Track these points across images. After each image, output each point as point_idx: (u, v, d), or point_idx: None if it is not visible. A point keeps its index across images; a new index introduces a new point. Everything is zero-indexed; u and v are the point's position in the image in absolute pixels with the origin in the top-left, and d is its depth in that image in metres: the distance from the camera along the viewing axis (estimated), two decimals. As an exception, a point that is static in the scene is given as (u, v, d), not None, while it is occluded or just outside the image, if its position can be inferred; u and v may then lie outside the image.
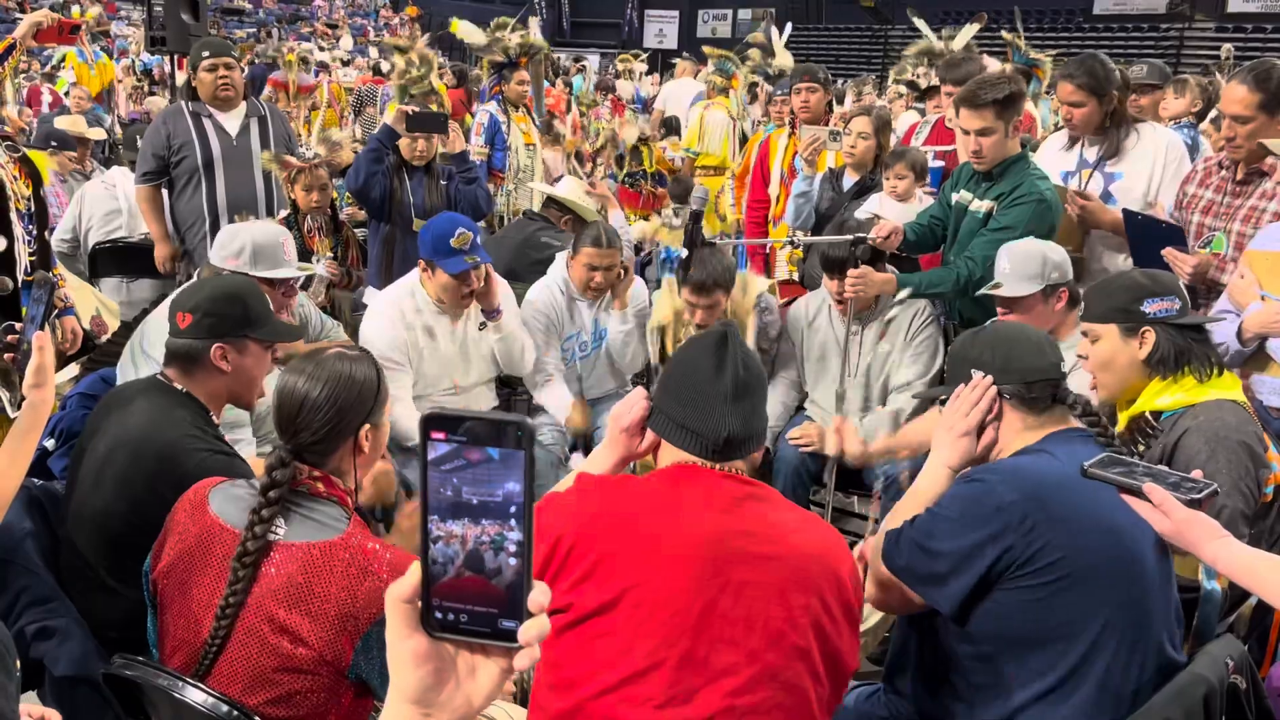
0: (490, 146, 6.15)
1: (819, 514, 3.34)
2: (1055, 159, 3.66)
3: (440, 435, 0.73)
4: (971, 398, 1.97)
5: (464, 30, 6.84)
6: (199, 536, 1.84)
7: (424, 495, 0.74)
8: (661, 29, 31.69)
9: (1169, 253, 3.04)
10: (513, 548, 0.73)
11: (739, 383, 1.69)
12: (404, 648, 0.75)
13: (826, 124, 4.75)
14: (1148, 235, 3.15)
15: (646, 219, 6.33)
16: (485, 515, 0.73)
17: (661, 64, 20.29)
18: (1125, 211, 3.33)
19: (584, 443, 3.72)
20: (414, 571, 0.75)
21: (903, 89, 7.57)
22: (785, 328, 3.73)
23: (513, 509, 0.73)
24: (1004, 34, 5.82)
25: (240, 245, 3.00)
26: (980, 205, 3.38)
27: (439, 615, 0.75)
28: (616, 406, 1.88)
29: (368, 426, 1.89)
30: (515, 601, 0.74)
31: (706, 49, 8.35)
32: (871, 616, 2.44)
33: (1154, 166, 3.55)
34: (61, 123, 6.43)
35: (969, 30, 5.74)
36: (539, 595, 0.74)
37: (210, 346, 2.27)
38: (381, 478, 2.49)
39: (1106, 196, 3.58)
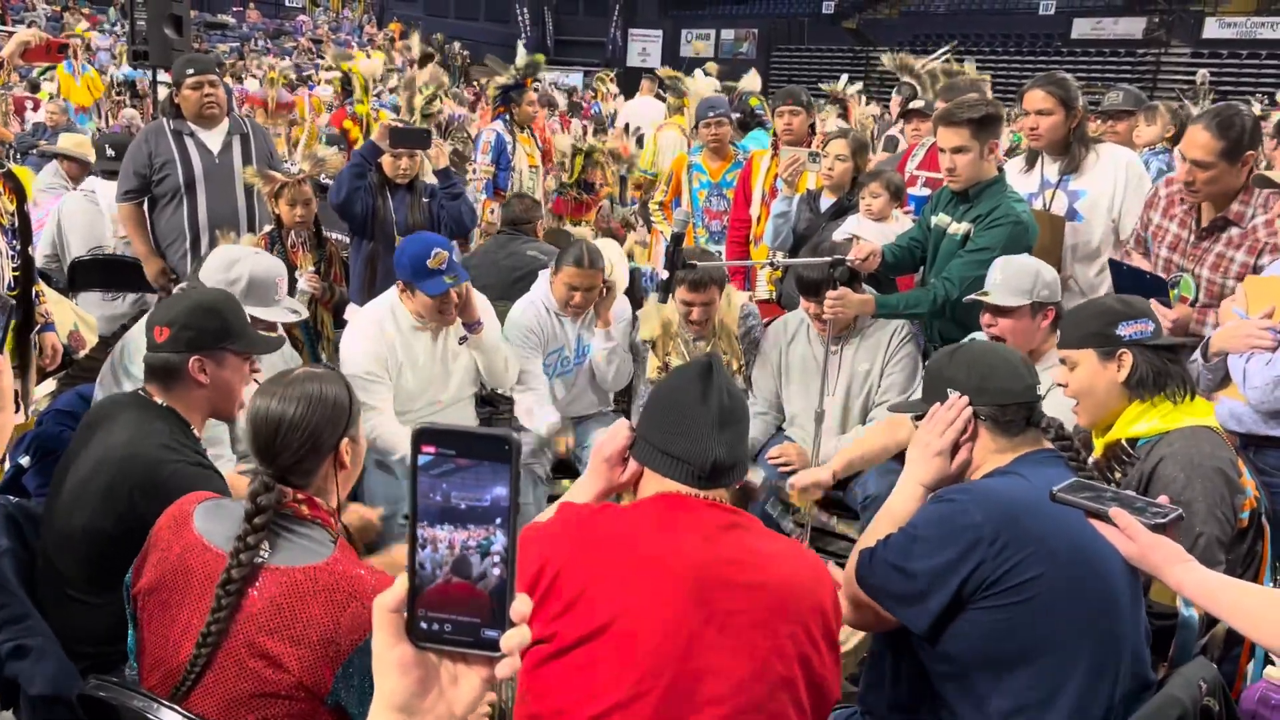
0: (495, 166, 6.18)
1: (798, 534, 3.35)
2: (1016, 182, 3.70)
3: (430, 449, 0.76)
4: (947, 417, 1.99)
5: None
6: (181, 555, 1.82)
7: (413, 503, 0.76)
8: (645, 48, 31.90)
9: (1152, 305, 3.08)
10: (498, 554, 0.75)
11: (724, 410, 1.69)
12: (390, 656, 0.78)
13: (809, 145, 4.79)
14: (1133, 286, 3.18)
15: (578, 224, 6.48)
16: (471, 520, 0.75)
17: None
18: (1111, 262, 3.36)
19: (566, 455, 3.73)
20: (401, 582, 0.77)
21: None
22: (762, 346, 3.76)
23: (498, 518, 0.75)
24: (938, 62, 5.97)
25: (238, 275, 2.94)
26: (958, 228, 3.42)
27: (424, 625, 0.77)
28: (598, 438, 1.87)
29: (346, 441, 1.89)
30: (498, 611, 0.76)
31: (660, 71, 8.46)
32: (851, 639, 2.45)
33: (1116, 183, 3.61)
34: (66, 142, 6.40)
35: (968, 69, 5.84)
36: (520, 605, 0.76)
37: (188, 360, 2.26)
38: (367, 529, 2.44)
39: (1072, 214, 3.63)
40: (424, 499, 0.76)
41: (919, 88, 5.92)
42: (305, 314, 3.24)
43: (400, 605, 0.77)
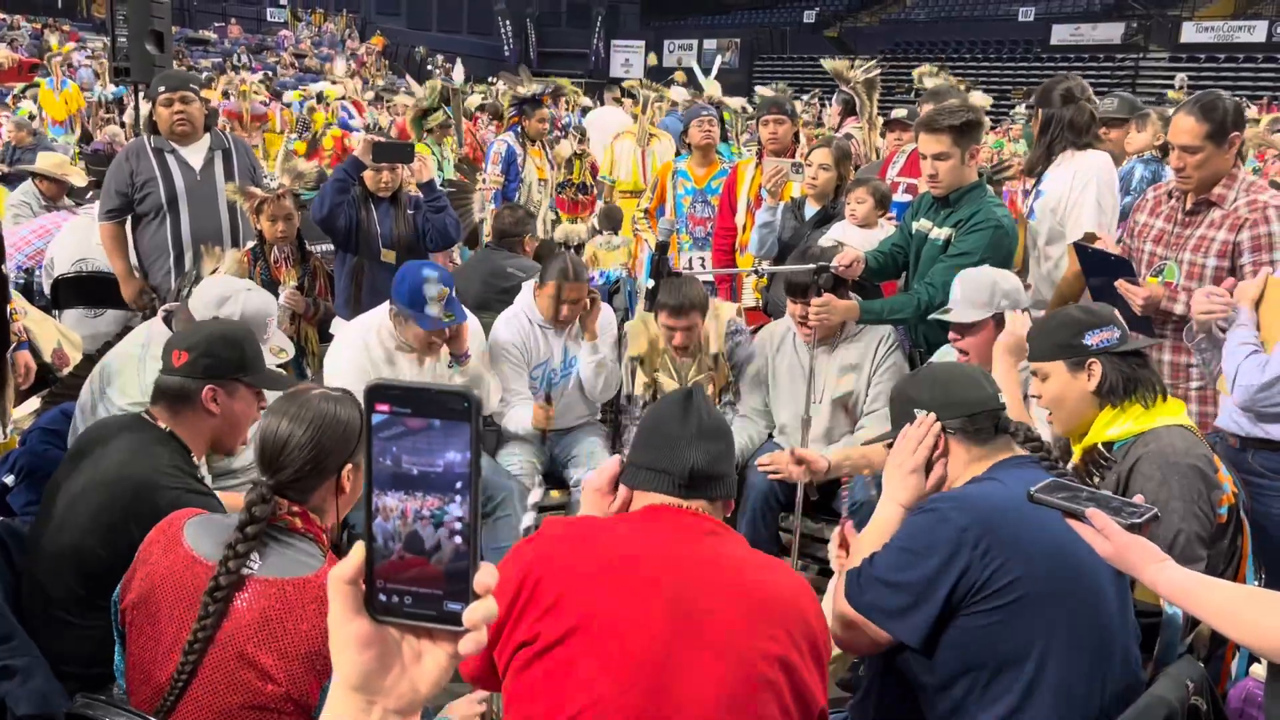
0: (504, 176, 6.22)
1: (786, 540, 3.36)
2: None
3: (384, 408, 0.71)
4: (917, 435, 2.02)
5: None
6: (171, 569, 1.82)
7: (367, 468, 0.72)
8: (628, 59, 32.00)
9: (1121, 285, 3.10)
10: (456, 524, 0.71)
11: (703, 425, 1.74)
12: (346, 631, 0.73)
13: (793, 154, 4.82)
14: (1099, 268, 3.20)
15: (574, 222, 6.74)
16: (425, 487, 0.71)
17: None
18: (1077, 245, 3.38)
19: (550, 463, 3.73)
20: (357, 551, 0.73)
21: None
22: (751, 354, 3.77)
23: (457, 483, 0.70)
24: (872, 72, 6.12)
25: (229, 313, 2.92)
26: (939, 233, 3.44)
27: (383, 598, 0.72)
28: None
29: (349, 466, 1.90)
30: (460, 583, 0.71)
31: (628, 82, 8.64)
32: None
33: (1070, 184, 3.59)
34: (44, 161, 6.38)
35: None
36: (485, 576, 0.72)
37: (203, 387, 2.30)
38: None
39: (1030, 213, 3.66)
40: (376, 464, 0.71)
41: (854, 97, 6.06)
42: (293, 353, 3.23)
43: (357, 576, 0.72)
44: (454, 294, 3.32)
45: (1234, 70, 22.30)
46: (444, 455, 0.70)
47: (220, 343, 2.35)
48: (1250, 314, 2.76)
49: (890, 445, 2.11)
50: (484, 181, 6.27)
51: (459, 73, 7.57)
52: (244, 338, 2.43)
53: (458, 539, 0.71)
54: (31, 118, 11.18)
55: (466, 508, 0.71)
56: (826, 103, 10.64)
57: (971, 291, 3.00)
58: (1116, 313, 2.46)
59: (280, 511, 1.82)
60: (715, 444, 1.75)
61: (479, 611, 0.71)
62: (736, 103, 7.43)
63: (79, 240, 4.96)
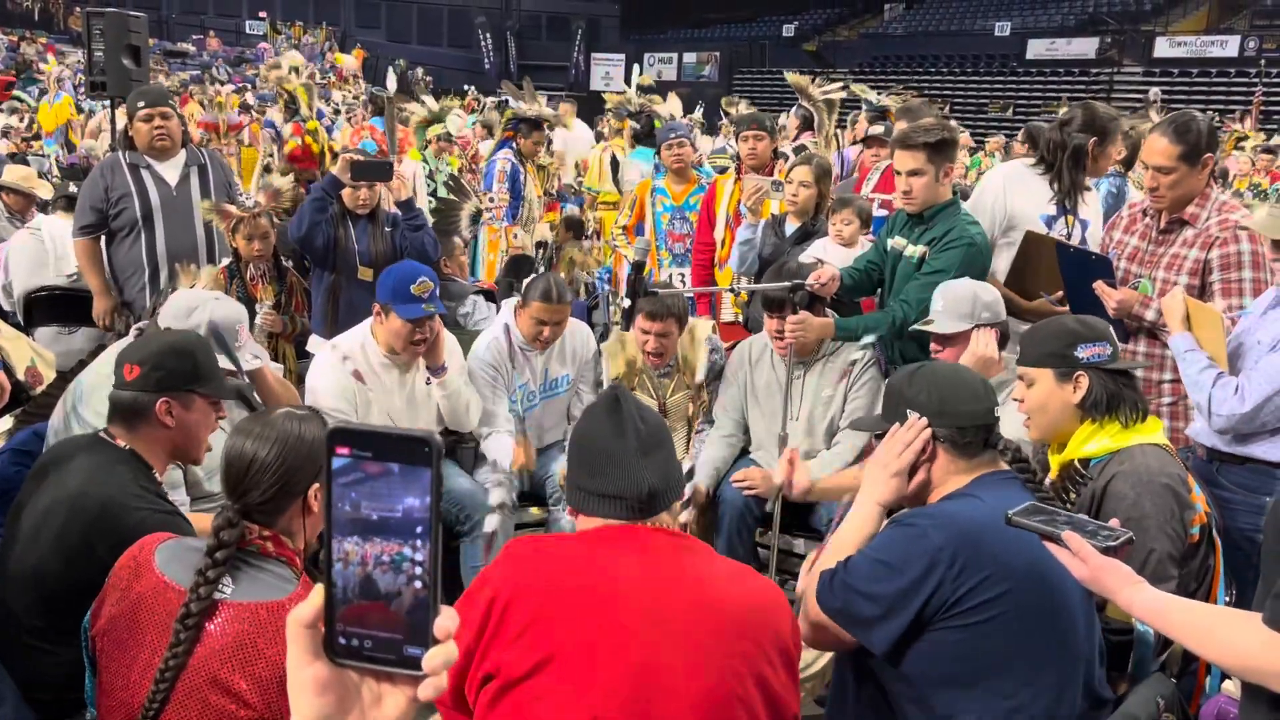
0: (510, 194, 6.24)
1: (764, 556, 3.37)
2: (1036, 197, 3.66)
3: (344, 450, 0.71)
4: (905, 438, 2.01)
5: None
6: (142, 594, 1.81)
7: (327, 513, 0.71)
8: (608, 72, 32.04)
9: (1099, 286, 3.13)
10: (415, 569, 0.70)
11: (643, 438, 1.71)
12: (304, 675, 0.72)
13: (772, 171, 4.85)
14: (1079, 267, 3.23)
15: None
16: (385, 532, 0.70)
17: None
18: (1058, 244, 3.40)
19: (529, 482, 3.73)
20: (316, 595, 0.72)
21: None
22: (727, 370, 3.78)
23: (417, 528, 0.70)
24: (853, 86, 6.20)
25: (197, 322, 2.91)
26: (914, 250, 3.46)
27: (342, 640, 0.72)
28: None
29: (317, 486, 1.88)
30: (420, 627, 0.71)
31: (609, 96, 8.77)
32: (817, 661, 2.46)
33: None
34: (11, 175, 6.33)
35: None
36: (445, 620, 0.72)
37: (155, 400, 2.25)
38: None
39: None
40: (336, 509, 0.71)
41: (814, 113, 6.15)
42: (265, 360, 3.22)
43: (315, 619, 0.72)
44: (437, 291, 3.32)
45: (1207, 84, 22.57)
46: (404, 500, 0.70)
47: (172, 354, 2.30)
48: (1190, 337, 2.82)
49: (878, 437, 2.10)
50: (491, 200, 6.27)
51: (392, 81, 7.65)
52: (197, 347, 2.38)
53: (417, 584, 0.71)
54: (6, 132, 11.09)
55: (426, 552, 0.70)
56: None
57: (953, 303, 3.02)
58: (1111, 329, 2.48)
59: (251, 536, 1.80)
60: (660, 453, 1.73)
61: (439, 656, 0.71)
62: (667, 110, 7.59)
63: (31, 265, 4.92)
